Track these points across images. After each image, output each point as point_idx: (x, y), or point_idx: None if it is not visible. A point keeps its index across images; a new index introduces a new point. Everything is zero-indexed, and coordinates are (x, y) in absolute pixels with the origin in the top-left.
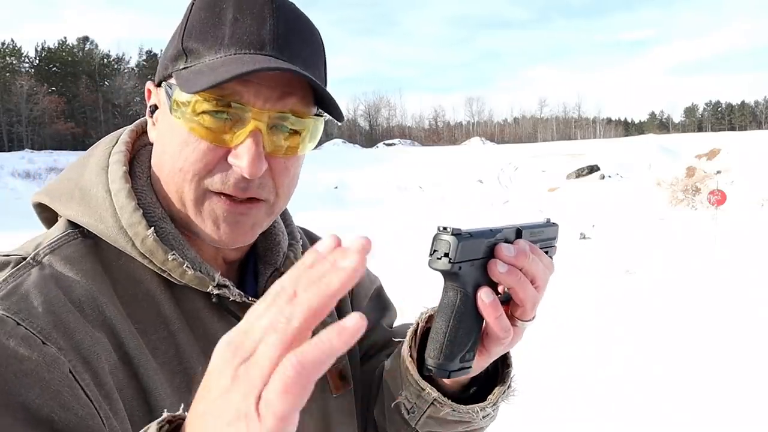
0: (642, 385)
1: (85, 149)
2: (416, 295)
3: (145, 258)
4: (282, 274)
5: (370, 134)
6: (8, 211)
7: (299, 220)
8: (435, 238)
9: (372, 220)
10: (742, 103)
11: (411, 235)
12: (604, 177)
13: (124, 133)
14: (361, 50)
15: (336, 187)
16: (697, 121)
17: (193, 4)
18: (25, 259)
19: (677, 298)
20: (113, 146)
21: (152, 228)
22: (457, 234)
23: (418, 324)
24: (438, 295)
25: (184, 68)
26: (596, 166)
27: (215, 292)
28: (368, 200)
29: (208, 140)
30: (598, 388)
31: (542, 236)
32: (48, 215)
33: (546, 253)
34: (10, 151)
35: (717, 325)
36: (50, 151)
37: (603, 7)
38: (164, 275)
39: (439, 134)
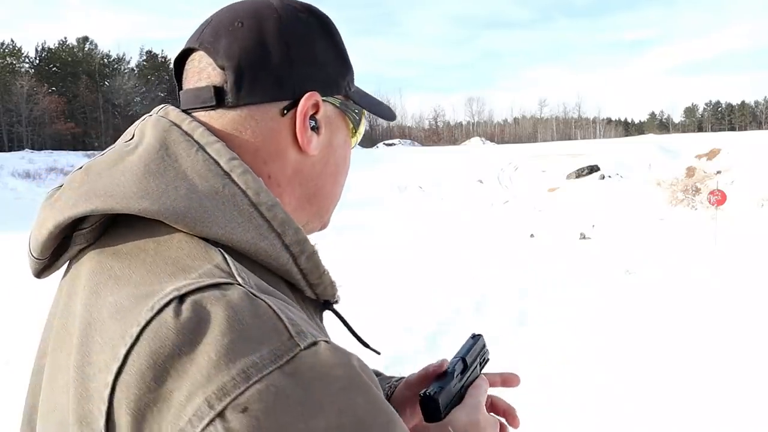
0: (642, 385)
1: (85, 149)
2: (417, 295)
3: (300, 274)
4: None
5: (370, 134)
6: (8, 211)
7: None
8: (422, 404)
9: (372, 220)
10: (742, 103)
11: (411, 235)
12: (604, 177)
13: (200, 131)
14: (361, 50)
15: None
16: (697, 121)
17: (324, 18)
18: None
19: (677, 298)
20: (198, 146)
21: (316, 243)
22: (434, 394)
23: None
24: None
25: (354, 90)
26: (596, 166)
27: (337, 300)
28: (368, 200)
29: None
30: (598, 388)
31: (477, 350)
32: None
33: (484, 359)
34: (10, 151)
35: (717, 325)
36: (50, 151)
37: (605, 6)
38: (302, 288)
39: (439, 134)
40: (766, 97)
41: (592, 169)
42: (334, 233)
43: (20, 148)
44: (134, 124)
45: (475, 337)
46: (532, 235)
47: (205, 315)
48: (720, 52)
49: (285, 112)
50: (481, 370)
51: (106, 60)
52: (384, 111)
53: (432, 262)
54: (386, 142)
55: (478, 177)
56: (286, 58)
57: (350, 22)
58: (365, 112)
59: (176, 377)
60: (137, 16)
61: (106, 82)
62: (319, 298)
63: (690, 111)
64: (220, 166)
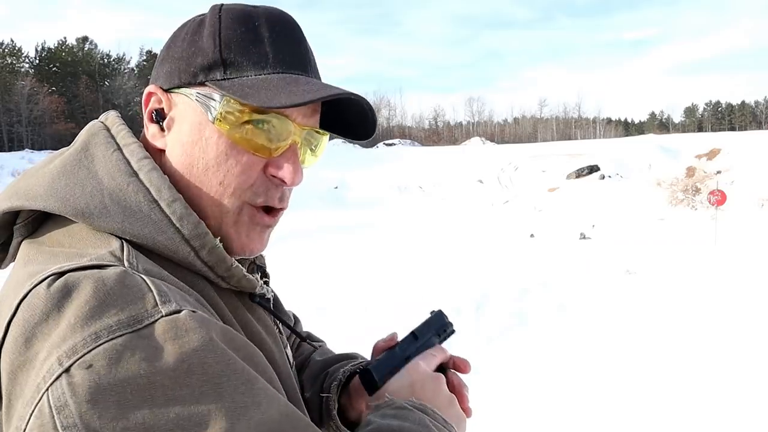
0: (642, 385)
1: None
2: (417, 295)
3: (205, 267)
4: (257, 265)
5: None
6: None
7: (300, 220)
8: (360, 378)
9: (372, 220)
10: (742, 103)
11: (411, 235)
12: (604, 177)
13: (123, 133)
14: (362, 50)
15: (336, 187)
16: (697, 121)
17: (221, 15)
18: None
19: (677, 298)
20: (116, 147)
21: (218, 238)
22: (369, 367)
23: (340, 381)
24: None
25: (224, 79)
26: (596, 166)
27: (259, 291)
28: (368, 200)
29: (252, 151)
30: (598, 388)
31: (434, 323)
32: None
33: (445, 331)
34: (10, 151)
35: (717, 325)
36: (50, 151)
37: (607, 6)
38: (215, 281)
39: (439, 134)
40: (766, 97)
41: (592, 169)
42: (334, 233)
43: (20, 148)
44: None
45: (433, 312)
46: (532, 235)
47: (73, 286)
48: (720, 52)
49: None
50: (441, 341)
51: (106, 60)
52: (277, 97)
53: (432, 262)
54: (386, 142)
55: (478, 177)
56: (160, 57)
57: (351, 21)
58: (233, 98)
59: (41, 340)
60: (137, 16)
61: (106, 82)
62: (237, 289)
63: (690, 111)
64: (131, 166)
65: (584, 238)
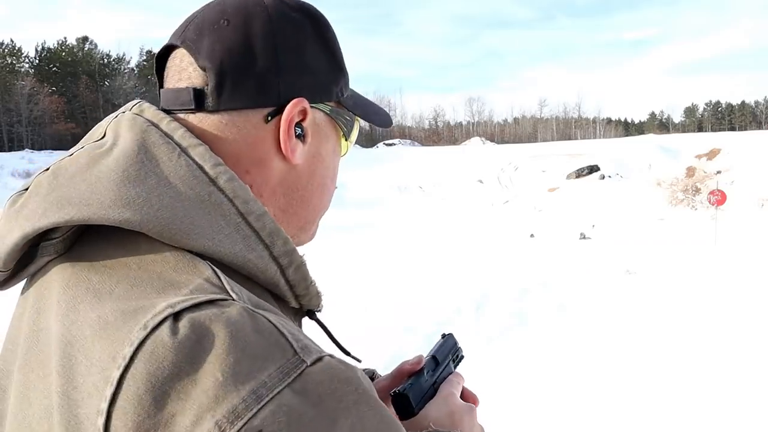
0: (642, 384)
1: None
2: (417, 295)
3: (287, 285)
4: None
5: (370, 134)
6: None
7: None
8: (394, 402)
9: (372, 220)
10: (742, 103)
11: (411, 235)
12: (604, 177)
13: (180, 132)
14: (362, 50)
15: (336, 187)
16: (697, 121)
17: (320, 18)
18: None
19: (677, 298)
20: (180, 149)
21: (304, 254)
22: (405, 392)
23: None
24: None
25: (347, 96)
26: (596, 166)
27: (320, 310)
28: (368, 200)
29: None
30: (598, 388)
31: (448, 348)
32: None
33: (457, 356)
34: (10, 151)
35: (717, 325)
36: (50, 151)
37: (607, 5)
38: (287, 299)
39: (439, 134)
40: (766, 97)
41: (592, 169)
42: (334, 233)
43: (20, 148)
44: (104, 121)
45: (445, 337)
46: (532, 235)
47: (204, 333)
48: (720, 52)
49: (269, 118)
50: (455, 367)
51: (106, 60)
52: (380, 117)
53: (432, 262)
54: (386, 142)
55: (478, 177)
56: (272, 62)
57: (350, 21)
58: (358, 118)
59: (178, 400)
60: (137, 15)
61: (106, 82)
62: (303, 307)
63: (690, 111)
64: (205, 172)
65: (584, 238)
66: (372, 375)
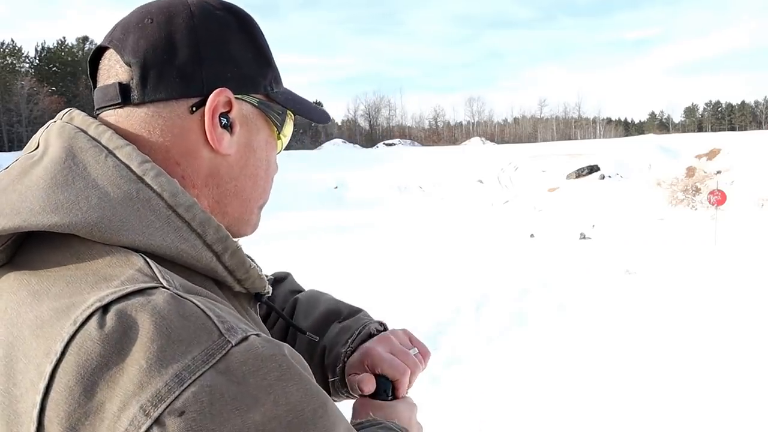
0: (642, 384)
1: None
2: (417, 294)
3: (225, 271)
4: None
5: (370, 134)
6: None
7: (299, 220)
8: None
9: (372, 220)
10: (742, 103)
11: (411, 235)
12: (604, 177)
13: (108, 135)
14: (363, 50)
15: (336, 187)
16: (697, 121)
17: (248, 17)
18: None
19: (677, 298)
20: (107, 152)
21: (237, 240)
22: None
23: (344, 362)
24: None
25: (277, 91)
26: (596, 166)
27: (268, 292)
28: (368, 200)
29: (274, 156)
30: (597, 388)
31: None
32: None
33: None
34: (10, 151)
35: (717, 324)
36: None
37: (609, 5)
38: (230, 285)
39: (439, 134)
40: (766, 97)
41: (592, 169)
42: (334, 233)
43: (20, 148)
44: (38, 132)
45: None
46: (532, 235)
47: (130, 323)
48: (721, 52)
49: (194, 109)
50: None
51: None
52: (314, 113)
53: (432, 261)
54: (386, 142)
55: (478, 177)
56: (194, 53)
57: (352, 21)
58: (292, 114)
59: (106, 389)
60: None
61: None
62: (249, 291)
63: (690, 111)
64: (132, 171)
65: (584, 238)
66: (353, 312)
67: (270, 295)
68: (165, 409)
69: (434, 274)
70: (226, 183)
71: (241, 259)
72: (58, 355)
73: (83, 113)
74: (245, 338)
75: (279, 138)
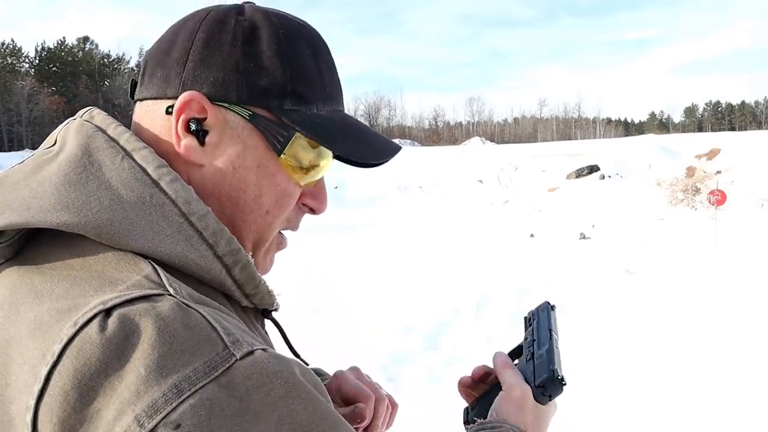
0: (642, 384)
1: None
2: (417, 294)
3: (234, 284)
4: None
5: None
6: None
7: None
8: (553, 386)
9: (372, 220)
10: (742, 103)
11: (411, 235)
12: (604, 177)
13: (126, 136)
14: (364, 50)
15: (336, 187)
16: (697, 121)
17: (281, 29)
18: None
19: (677, 298)
20: (124, 153)
21: (250, 254)
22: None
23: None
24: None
25: (292, 110)
26: (596, 166)
27: (276, 308)
28: (368, 200)
29: (303, 188)
30: (597, 388)
31: (554, 321)
32: None
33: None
34: (10, 151)
35: (717, 324)
36: None
37: (610, 5)
38: (238, 299)
39: (439, 134)
40: (766, 97)
41: (592, 169)
42: (334, 233)
43: (20, 148)
44: (57, 129)
45: (546, 308)
46: (532, 235)
47: (132, 328)
48: (721, 52)
49: (169, 110)
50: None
51: (106, 60)
52: (368, 149)
53: (432, 262)
54: None
55: (478, 177)
56: (183, 56)
57: (353, 21)
58: (317, 145)
59: (103, 395)
60: (137, 15)
61: (106, 82)
62: (257, 306)
63: (690, 111)
64: (148, 174)
65: (584, 238)
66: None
67: (278, 311)
68: (160, 421)
69: (434, 274)
70: (205, 198)
71: (251, 273)
72: (55, 357)
73: (104, 113)
74: (251, 352)
75: (287, 163)
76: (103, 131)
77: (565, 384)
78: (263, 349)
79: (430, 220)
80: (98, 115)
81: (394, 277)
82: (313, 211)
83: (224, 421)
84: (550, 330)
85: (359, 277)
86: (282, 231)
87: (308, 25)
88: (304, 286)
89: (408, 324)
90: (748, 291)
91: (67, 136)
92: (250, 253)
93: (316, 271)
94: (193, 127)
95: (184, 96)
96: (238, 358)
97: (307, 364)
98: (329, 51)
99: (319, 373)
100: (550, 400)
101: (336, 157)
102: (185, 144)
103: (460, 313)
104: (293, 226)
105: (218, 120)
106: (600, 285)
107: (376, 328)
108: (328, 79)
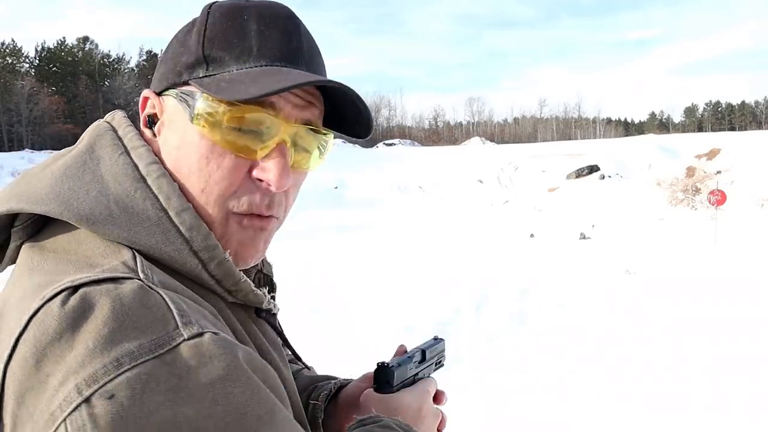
0: (642, 384)
1: None
2: (417, 294)
3: (212, 280)
4: (264, 274)
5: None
6: None
7: (299, 220)
8: (377, 372)
9: (372, 220)
10: (742, 103)
11: (411, 235)
12: (604, 177)
13: (130, 135)
14: (364, 50)
15: (336, 187)
16: (697, 121)
17: (209, 12)
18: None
19: (677, 298)
20: (123, 150)
21: (228, 251)
22: (391, 366)
23: (330, 391)
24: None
25: (206, 76)
26: (596, 166)
27: (266, 306)
28: (368, 200)
29: (235, 152)
30: (597, 388)
31: (437, 351)
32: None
33: (440, 362)
34: (10, 151)
35: (717, 325)
36: (50, 151)
37: (611, 5)
38: (222, 295)
39: (439, 134)
40: (766, 97)
41: (592, 169)
42: (334, 233)
43: (20, 148)
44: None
45: (437, 340)
46: (532, 235)
47: (91, 304)
48: (722, 52)
49: None
50: (434, 370)
51: (106, 60)
52: (240, 88)
53: (432, 262)
54: (386, 142)
55: (478, 177)
56: (164, 55)
57: (353, 21)
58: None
59: (54, 363)
60: (137, 15)
61: (106, 82)
62: (245, 304)
63: (690, 111)
64: (138, 170)
65: (584, 238)
66: (330, 377)
67: (273, 312)
68: (96, 390)
69: (434, 274)
70: (180, 187)
71: (228, 269)
72: (22, 326)
73: (125, 116)
74: (200, 334)
75: (197, 120)
76: (114, 130)
77: (390, 366)
78: (214, 333)
79: (430, 220)
80: (118, 117)
81: (394, 277)
82: (268, 186)
83: (157, 396)
84: (423, 351)
85: (359, 277)
86: (249, 213)
87: (263, 1)
88: (304, 286)
89: (408, 324)
90: (748, 291)
91: (86, 134)
92: (229, 251)
93: (316, 271)
94: (148, 121)
95: (141, 96)
96: (185, 338)
97: (307, 366)
98: (279, 17)
99: (330, 378)
100: (389, 386)
101: (326, 125)
102: (147, 138)
103: (460, 313)
104: (252, 206)
105: (161, 109)
106: (600, 285)
107: (376, 328)
108: (259, 39)
